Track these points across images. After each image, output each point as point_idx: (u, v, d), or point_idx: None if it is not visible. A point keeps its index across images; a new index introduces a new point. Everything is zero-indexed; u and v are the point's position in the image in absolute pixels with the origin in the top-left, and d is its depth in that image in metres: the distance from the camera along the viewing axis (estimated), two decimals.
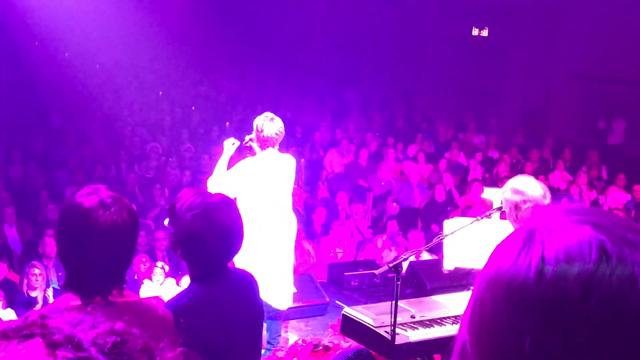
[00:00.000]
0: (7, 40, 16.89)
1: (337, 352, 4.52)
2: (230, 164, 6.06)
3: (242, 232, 2.95)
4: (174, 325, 2.62)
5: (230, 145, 6.07)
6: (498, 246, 1.00)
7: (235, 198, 5.63)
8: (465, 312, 1.03)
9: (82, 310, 1.59)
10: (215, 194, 2.98)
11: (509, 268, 0.95)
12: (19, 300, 8.08)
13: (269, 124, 5.91)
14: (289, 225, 5.99)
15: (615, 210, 11.40)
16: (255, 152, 5.98)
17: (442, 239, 4.56)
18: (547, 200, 4.09)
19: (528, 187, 4.08)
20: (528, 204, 4.04)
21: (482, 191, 11.58)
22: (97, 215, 2.31)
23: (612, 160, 14.16)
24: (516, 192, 4.08)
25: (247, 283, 3.09)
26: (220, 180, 5.87)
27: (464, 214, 10.00)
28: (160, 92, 16.12)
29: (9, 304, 7.94)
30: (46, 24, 18.64)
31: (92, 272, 2.36)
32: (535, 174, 4.49)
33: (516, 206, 4.07)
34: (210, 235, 2.77)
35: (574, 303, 0.88)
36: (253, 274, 5.63)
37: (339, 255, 10.17)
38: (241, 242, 2.96)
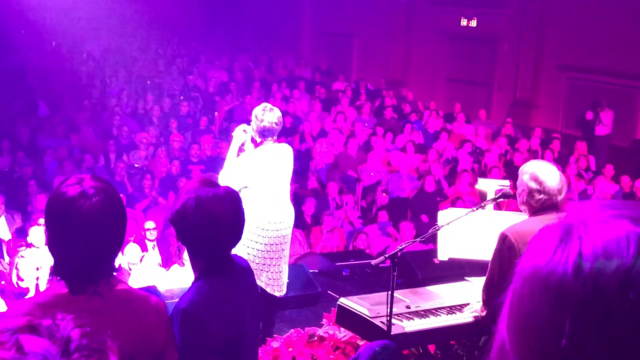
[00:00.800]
0: None
1: (362, 346, 4.50)
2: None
3: (240, 224, 2.94)
4: (178, 319, 2.63)
5: (240, 132, 6.04)
6: (533, 242, 1.00)
7: (240, 190, 5.63)
8: (502, 310, 1.02)
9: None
10: (217, 184, 2.97)
11: (546, 264, 0.94)
12: (9, 291, 8.05)
13: (269, 114, 5.89)
14: (287, 215, 6.00)
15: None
16: (253, 142, 5.96)
17: (437, 230, 4.57)
18: (562, 196, 4.05)
19: (548, 178, 4.03)
20: (542, 196, 4.02)
21: (471, 181, 11.64)
22: (79, 205, 2.30)
23: (600, 151, 14.22)
24: (535, 179, 4.04)
25: (247, 271, 3.10)
26: (227, 172, 5.85)
27: (453, 204, 10.02)
28: (149, 82, 16.06)
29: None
30: (34, 12, 18.55)
31: (77, 261, 2.35)
32: None
33: (530, 192, 4.05)
34: (198, 220, 2.77)
35: (613, 298, 0.88)
36: (250, 261, 5.71)
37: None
38: (238, 235, 2.95)
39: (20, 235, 9.39)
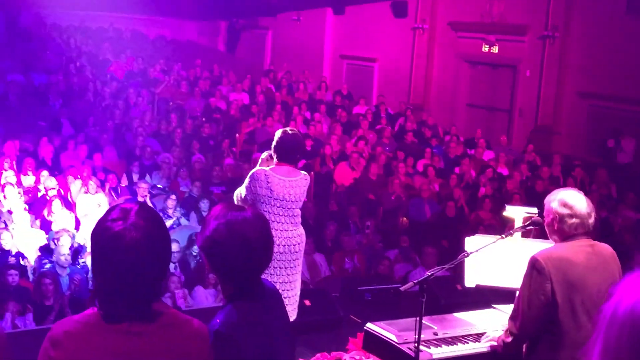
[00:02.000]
0: (21, 49, 17.02)
1: None
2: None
3: (269, 250, 2.97)
4: (210, 341, 2.64)
5: (267, 157, 6.13)
6: (627, 284, 1.01)
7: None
8: (593, 349, 1.03)
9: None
10: (248, 209, 3.00)
11: None
12: (33, 309, 8.10)
13: (290, 137, 5.97)
14: (298, 238, 6.02)
15: (624, 229, 11.42)
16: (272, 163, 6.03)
17: (466, 257, 4.58)
18: (592, 220, 4.10)
19: (577, 202, 4.08)
20: (574, 220, 4.05)
21: (492, 207, 11.62)
22: (122, 242, 2.34)
23: (621, 178, 14.17)
24: (564, 204, 4.07)
25: (276, 294, 3.11)
26: (240, 192, 5.92)
27: (474, 230, 10.01)
28: (171, 104, 16.19)
29: (24, 312, 7.97)
30: (59, 33, 18.81)
31: (121, 289, 2.39)
32: (547, 192, 4.54)
33: (561, 219, 4.07)
34: (229, 245, 2.79)
35: None
36: None
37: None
38: (268, 259, 2.97)
39: (44, 253, 9.47)
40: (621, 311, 0.95)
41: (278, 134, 6.02)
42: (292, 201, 5.93)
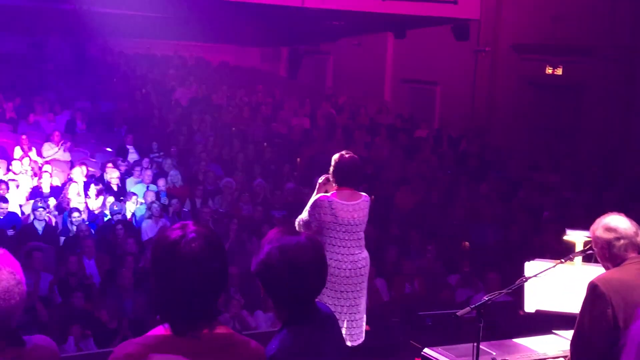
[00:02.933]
0: (89, 77, 17.47)
1: None
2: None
3: (323, 274, 2.97)
4: None
5: (325, 181, 6.17)
6: None
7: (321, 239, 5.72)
8: None
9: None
10: (302, 233, 3.02)
11: None
12: (98, 332, 8.25)
13: (347, 161, 6.00)
14: (364, 262, 6.03)
15: None
16: (331, 188, 6.06)
17: (525, 281, 4.52)
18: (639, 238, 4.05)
19: (620, 223, 4.05)
20: (622, 241, 4.01)
21: (557, 231, 11.41)
22: (179, 248, 2.42)
23: None
24: (608, 229, 4.05)
25: (331, 318, 3.11)
26: (302, 219, 5.95)
27: (538, 255, 9.84)
28: (234, 129, 16.38)
29: (89, 335, 8.12)
30: (126, 61, 19.26)
31: (177, 304, 2.45)
32: None
33: (609, 244, 4.03)
34: (283, 270, 2.81)
35: None
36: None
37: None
38: (321, 284, 2.98)
39: (109, 277, 9.64)
40: None
41: (335, 158, 6.06)
42: (356, 224, 5.96)
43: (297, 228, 5.90)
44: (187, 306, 2.44)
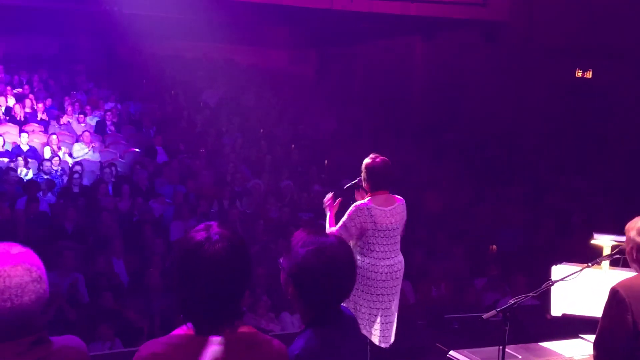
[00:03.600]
0: (119, 78, 17.63)
1: None
2: (345, 206, 6.13)
3: (354, 276, 3.00)
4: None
5: (356, 185, 6.22)
6: None
7: (350, 242, 5.76)
8: None
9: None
10: (331, 234, 3.04)
11: None
12: (126, 331, 8.33)
13: (379, 164, 6.01)
14: (399, 265, 6.05)
15: None
16: (363, 193, 6.08)
17: (551, 285, 4.51)
18: None
19: None
20: None
21: (584, 235, 11.32)
22: (204, 249, 2.46)
23: None
24: None
25: (353, 320, 3.13)
26: (341, 225, 5.96)
27: (565, 258, 9.79)
28: (262, 130, 16.45)
29: (116, 334, 8.19)
30: (155, 63, 19.40)
31: (200, 304, 2.48)
32: None
33: (638, 248, 3.99)
34: (321, 272, 2.82)
35: None
36: (356, 311, 5.75)
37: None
38: (351, 286, 3.00)
39: (137, 277, 9.72)
40: None
41: (366, 162, 6.05)
42: (394, 229, 5.99)
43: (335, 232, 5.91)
44: (210, 306, 2.48)
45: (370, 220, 5.86)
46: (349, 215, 5.90)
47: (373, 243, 5.91)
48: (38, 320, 2.57)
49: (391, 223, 5.94)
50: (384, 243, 5.93)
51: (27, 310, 2.49)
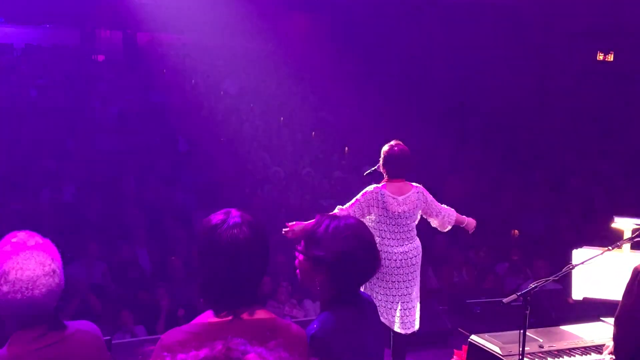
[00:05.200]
0: (138, 68, 17.71)
1: None
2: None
3: (378, 255, 3.02)
4: (308, 346, 2.71)
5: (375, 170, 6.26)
6: None
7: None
8: None
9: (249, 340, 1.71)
10: (347, 216, 3.06)
11: None
12: (150, 318, 8.41)
13: (397, 152, 6.02)
14: (415, 251, 6.07)
15: None
16: (380, 180, 6.10)
17: (571, 269, 4.51)
18: None
19: None
20: None
21: (607, 219, 11.25)
22: (221, 232, 2.50)
23: None
24: None
25: (370, 303, 3.14)
26: (352, 203, 5.99)
27: (588, 243, 9.74)
28: (282, 118, 16.46)
29: (141, 320, 8.28)
30: (174, 52, 19.46)
31: (218, 287, 2.52)
32: None
33: None
34: (362, 253, 2.88)
35: None
36: (377, 299, 5.77)
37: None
38: (375, 268, 3.03)
39: (160, 265, 9.80)
40: None
41: (385, 149, 6.07)
42: (405, 217, 5.98)
43: (345, 208, 5.94)
44: (228, 289, 2.51)
45: (381, 205, 5.89)
46: (363, 194, 5.94)
47: (384, 230, 5.93)
48: (52, 310, 2.64)
49: (403, 211, 5.96)
50: (395, 230, 5.96)
51: (37, 303, 2.56)
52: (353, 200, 5.99)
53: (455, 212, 6.38)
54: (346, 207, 5.95)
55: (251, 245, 2.52)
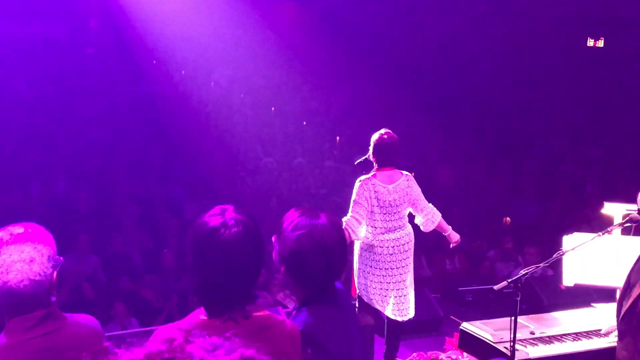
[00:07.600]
0: (128, 59, 17.60)
1: None
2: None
3: (345, 253, 2.99)
4: (301, 340, 2.69)
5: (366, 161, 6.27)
6: None
7: (343, 221, 5.78)
8: None
9: (221, 335, 1.72)
10: (322, 215, 3.02)
11: None
12: (142, 310, 8.39)
13: (386, 141, 6.03)
14: (407, 238, 6.08)
15: None
16: (371, 168, 6.11)
17: (562, 255, 4.51)
18: None
19: None
20: None
21: (600, 206, 11.28)
22: (219, 234, 2.47)
23: None
24: None
25: (344, 292, 3.11)
26: (355, 205, 6.00)
27: (579, 229, 9.77)
28: (273, 108, 16.42)
29: (133, 313, 8.26)
30: (164, 43, 19.34)
31: (214, 287, 2.50)
32: None
33: None
34: (313, 255, 2.82)
35: None
36: (371, 287, 5.77)
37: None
38: (342, 267, 2.99)
39: (151, 257, 9.78)
40: None
41: (374, 138, 6.09)
42: (395, 205, 6.00)
43: (352, 215, 5.93)
44: (223, 291, 2.50)
45: (374, 196, 5.92)
46: (356, 192, 5.97)
47: (375, 219, 5.96)
48: (41, 298, 2.63)
49: (394, 200, 5.98)
50: (386, 219, 5.98)
51: (13, 289, 2.56)
52: (352, 204, 5.99)
53: (440, 215, 6.35)
54: (350, 216, 5.93)
55: (248, 247, 2.52)
